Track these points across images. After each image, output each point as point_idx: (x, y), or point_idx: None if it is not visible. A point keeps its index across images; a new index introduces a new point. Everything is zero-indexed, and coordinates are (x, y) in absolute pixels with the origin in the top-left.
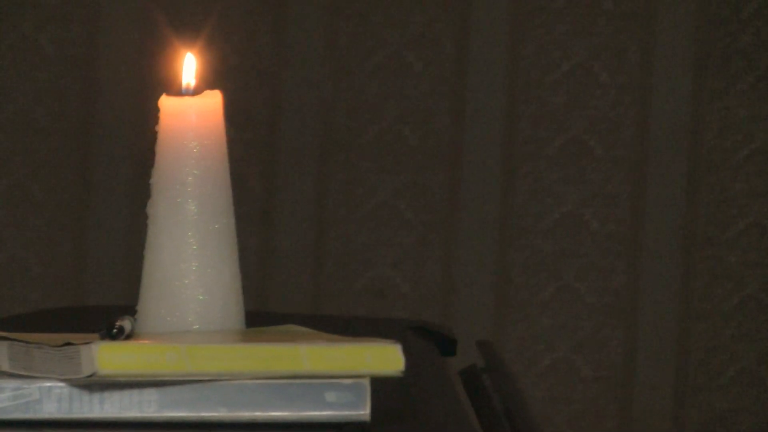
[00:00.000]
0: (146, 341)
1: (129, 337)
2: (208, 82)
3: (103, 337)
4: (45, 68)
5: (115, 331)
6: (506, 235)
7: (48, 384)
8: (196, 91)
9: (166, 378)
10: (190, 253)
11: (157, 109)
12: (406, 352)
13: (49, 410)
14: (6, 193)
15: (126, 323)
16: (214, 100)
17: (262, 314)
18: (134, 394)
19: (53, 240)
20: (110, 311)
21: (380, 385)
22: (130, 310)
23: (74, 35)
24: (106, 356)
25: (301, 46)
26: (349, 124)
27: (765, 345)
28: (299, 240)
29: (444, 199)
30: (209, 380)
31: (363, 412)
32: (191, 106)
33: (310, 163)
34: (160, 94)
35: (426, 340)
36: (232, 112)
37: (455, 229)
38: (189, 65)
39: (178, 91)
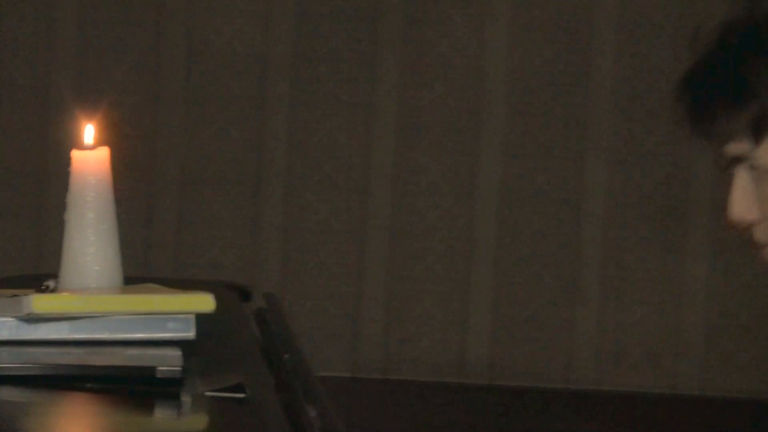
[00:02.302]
0: (62, 293)
1: (53, 291)
2: (100, 141)
3: (36, 291)
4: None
5: (43, 288)
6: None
7: (3, 319)
8: (93, 147)
9: (73, 314)
10: (89, 242)
11: (69, 158)
12: (219, 299)
13: (4, 335)
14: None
15: (50, 283)
16: (104, 152)
17: (137, 278)
18: (54, 324)
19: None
20: (44, 277)
21: (202, 318)
22: (55, 276)
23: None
24: (38, 302)
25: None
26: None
27: None
28: (164, 233)
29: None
30: (98, 316)
31: (190, 334)
32: (90, 156)
33: (171, 190)
34: (71, 150)
35: (233, 292)
36: (115, 159)
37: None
38: (89, 132)
39: (82, 147)
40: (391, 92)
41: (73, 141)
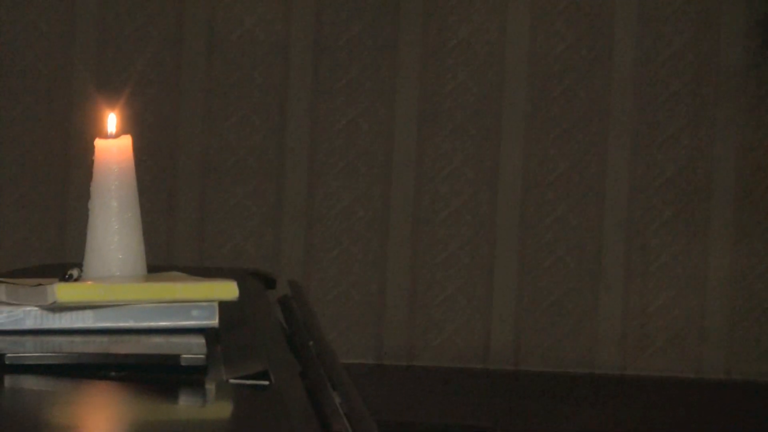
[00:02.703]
0: (86, 282)
1: (76, 280)
2: (122, 130)
3: (60, 281)
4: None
5: (67, 277)
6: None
7: (28, 308)
8: (115, 136)
9: (97, 303)
10: (113, 231)
11: (92, 147)
12: (243, 287)
13: (28, 324)
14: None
15: (74, 272)
16: (126, 140)
17: (161, 267)
18: (78, 313)
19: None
20: (68, 266)
21: (226, 306)
22: (78, 265)
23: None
24: (62, 291)
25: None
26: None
27: None
28: (187, 222)
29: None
30: (122, 304)
31: (214, 321)
32: (113, 144)
33: (193, 179)
34: (94, 139)
35: (257, 280)
36: (137, 148)
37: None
38: (111, 121)
39: (105, 136)
40: (412, 79)
41: (95, 130)
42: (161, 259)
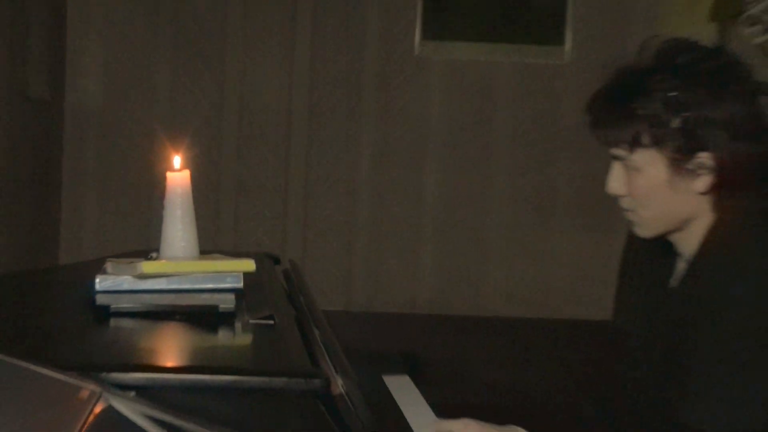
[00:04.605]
0: (161, 261)
1: (155, 259)
2: (183, 166)
3: (145, 260)
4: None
5: (149, 257)
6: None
7: (125, 277)
8: (179, 170)
9: (168, 273)
10: (178, 229)
11: (165, 177)
12: (259, 263)
13: (125, 287)
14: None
15: (154, 254)
16: (186, 173)
17: (208, 251)
18: (156, 280)
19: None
20: (150, 251)
21: (248, 275)
22: (156, 250)
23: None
24: (146, 266)
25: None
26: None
27: None
28: (225, 222)
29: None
30: (184, 274)
31: (240, 285)
32: (178, 176)
33: (230, 195)
34: (166, 172)
35: (268, 259)
36: (193, 177)
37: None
38: (177, 160)
39: (172, 170)
40: (369, 130)
41: (167, 166)
42: (208, 246)
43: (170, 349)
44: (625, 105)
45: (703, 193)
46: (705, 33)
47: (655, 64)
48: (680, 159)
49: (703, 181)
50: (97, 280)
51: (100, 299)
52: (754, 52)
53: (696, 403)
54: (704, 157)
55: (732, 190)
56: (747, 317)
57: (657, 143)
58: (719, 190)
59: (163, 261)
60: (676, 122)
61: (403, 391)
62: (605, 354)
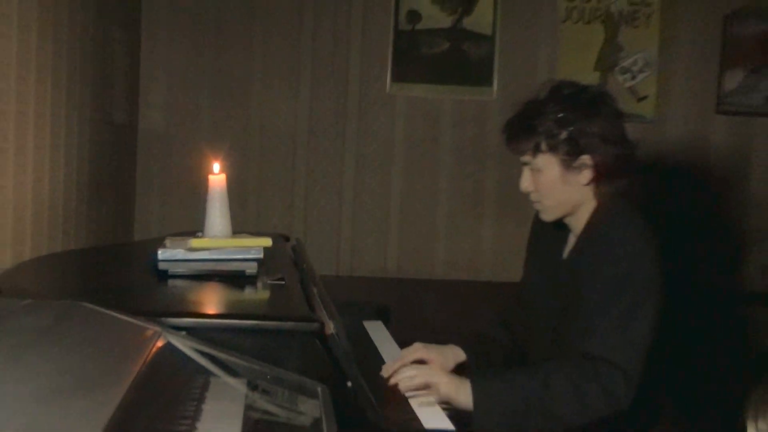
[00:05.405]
0: (205, 239)
1: (200, 237)
2: (221, 171)
3: (193, 238)
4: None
5: (197, 236)
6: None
7: (179, 249)
8: (218, 174)
9: (210, 247)
10: (217, 216)
11: (208, 179)
12: (274, 241)
13: (179, 256)
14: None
15: (199, 234)
16: (222, 176)
17: (238, 232)
18: (201, 252)
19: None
20: (197, 232)
21: (266, 249)
22: (201, 232)
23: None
24: (194, 242)
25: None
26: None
27: None
28: (251, 211)
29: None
30: (220, 247)
31: (261, 256)
32: (217, 178)
33: (253, 191)
34: (209, 175)
35: (281, 237)
36: (228, 179)
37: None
38: (216, 166)
39: (213, 173)
40: (351, 148)
41: (209, 170)
42: (237, 229)
43: (211, 301)
44: (528, 124)
45: (587, 185)
46: (590, 79)
47: (549, 95)
48: (569, 160)
49: (585, 176)
50: (159, 252)
51: (161, 265)
52: (625, 93)
53: (594, 338)
54: (585, 159)
55: (607, 181)
56: (624, 273)
57: (552, 149)
58: (598, 182)
59: (206, 239)
60: (564, 134)
61: (378, 333)
62: (517, 305)
